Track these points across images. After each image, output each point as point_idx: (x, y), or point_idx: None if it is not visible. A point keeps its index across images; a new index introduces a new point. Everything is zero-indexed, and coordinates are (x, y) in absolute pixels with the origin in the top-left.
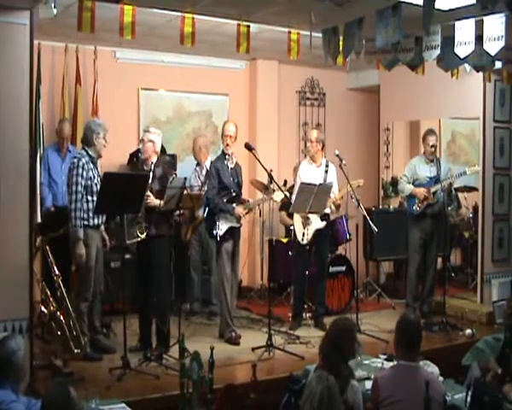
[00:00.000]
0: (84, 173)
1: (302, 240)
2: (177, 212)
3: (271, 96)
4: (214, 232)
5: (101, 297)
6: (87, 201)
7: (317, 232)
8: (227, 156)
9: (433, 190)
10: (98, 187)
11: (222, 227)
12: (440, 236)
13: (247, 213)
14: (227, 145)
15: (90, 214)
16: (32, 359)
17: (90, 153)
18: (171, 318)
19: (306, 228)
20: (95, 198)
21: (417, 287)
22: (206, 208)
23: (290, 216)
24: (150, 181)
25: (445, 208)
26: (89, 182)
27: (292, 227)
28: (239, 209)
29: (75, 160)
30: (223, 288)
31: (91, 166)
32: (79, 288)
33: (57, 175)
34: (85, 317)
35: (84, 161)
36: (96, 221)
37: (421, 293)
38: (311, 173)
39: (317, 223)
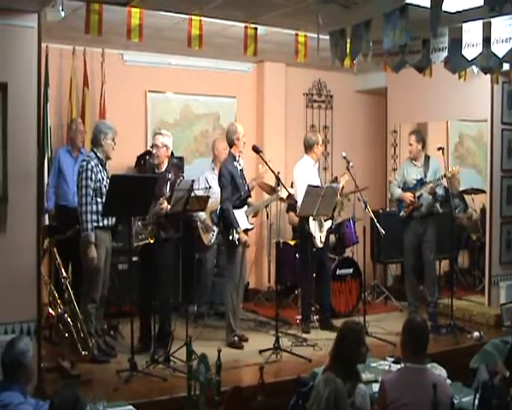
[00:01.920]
0: (93, 176)
1: (320, 243)
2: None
3: (279, 98)
4: (230, 237)
5: (104, 301)
6: (96, 203)
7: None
8: (237, 158)
9: (417, 193)
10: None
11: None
12: (440, 236)
13: (254, 216)
14: (243, 146)
15: (100, 216)
16: (39, 361)
17: (99, 154)
18: (180, 320)
19: (321, 230)
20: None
21: (416, 287)
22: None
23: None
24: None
25: (453, 211)
26: (98, 184)
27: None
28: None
29: (84, 163)
30: (231, 293)
31: (100, 168)
32: (87, 289)
33: (69, 176)
34: (93, 318)
35: (92, 163)
36: (105, 222)
37: (425, 295)
38: (314, 174)
39: (326, 223)
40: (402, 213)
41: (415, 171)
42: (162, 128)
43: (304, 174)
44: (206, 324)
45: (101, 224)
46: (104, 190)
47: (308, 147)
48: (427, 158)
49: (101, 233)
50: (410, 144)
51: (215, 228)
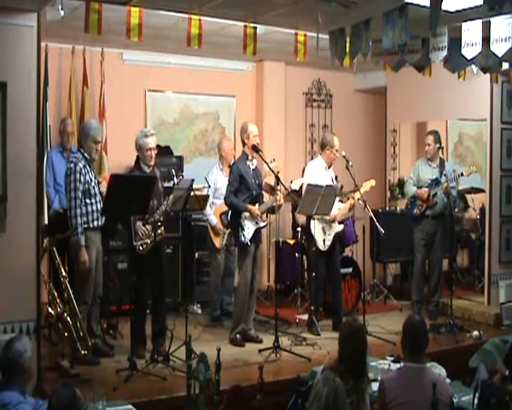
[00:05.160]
0: (82, 178)
1: (324, 246)
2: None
3: (278, 97)
4: (243, 239)
5: (100, 301)
6: (86, 204)
7: (335, 235)
8: (249, 157)
9: (432, 192)
10: (96, 189)
11: (249, 230)
12: (445, 236)
13: (263, 213)
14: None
15: (90, 217)
16: (39, 360)
17: (86, 154)
18: (179, 319)
19: (327, 234)
20: (93, 201)
21: (422, 287)
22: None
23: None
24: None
25: (452, 211)
26: (86, 186)
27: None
28: (253, 208)
29: (72, 165)
30: (241, 292)
31: (88, 168)
32: (79, 291)
33: (61, 177)
34: (84, 320)
35: (80, 165)
36: (95, 223)
37: (427, 293)
38: (326, 177)
39: (336, 226)
40: (415, 211)
41: (430, 171)
42: (161, 127)
43: (311, 174)
44: (206, 323)
45: (91, 225)
46: (93, 191)
47: (321, 147)
48: (442, 160)
49: (92, 234)
50: (428, 144)
51: (225, 230)
